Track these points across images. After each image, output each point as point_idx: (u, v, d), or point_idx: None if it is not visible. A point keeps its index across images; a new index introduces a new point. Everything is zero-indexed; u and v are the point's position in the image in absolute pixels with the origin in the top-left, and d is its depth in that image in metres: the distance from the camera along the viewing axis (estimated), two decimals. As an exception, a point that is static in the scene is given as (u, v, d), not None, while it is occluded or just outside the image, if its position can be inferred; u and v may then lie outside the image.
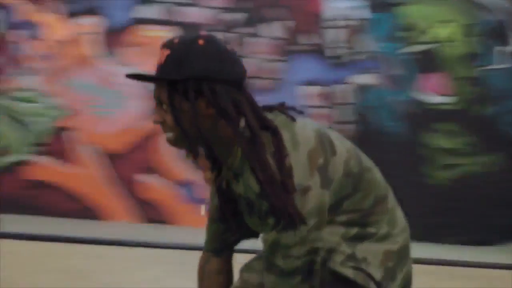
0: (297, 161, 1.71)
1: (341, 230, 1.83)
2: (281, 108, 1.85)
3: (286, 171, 1.70)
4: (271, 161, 1.71)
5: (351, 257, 1.83)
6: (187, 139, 1.75)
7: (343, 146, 1.83)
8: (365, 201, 1.85)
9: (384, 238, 1.87)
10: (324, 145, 1.77)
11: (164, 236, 5.73)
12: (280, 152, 1.71)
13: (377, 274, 1.84)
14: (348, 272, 1.82)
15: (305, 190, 1.71)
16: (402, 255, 1.90)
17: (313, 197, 1.72)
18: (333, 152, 1.78)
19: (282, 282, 1.77)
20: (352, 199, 1.82)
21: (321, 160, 1.74)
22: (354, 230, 1.84)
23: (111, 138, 6.47)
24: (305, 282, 1.79)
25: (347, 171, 1.80)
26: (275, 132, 1.73)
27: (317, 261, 1.81)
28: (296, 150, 1.72)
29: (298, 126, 1.78)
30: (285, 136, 1.74)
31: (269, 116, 1.79)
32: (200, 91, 1.71)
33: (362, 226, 1.85)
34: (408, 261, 1.94)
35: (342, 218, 1.82)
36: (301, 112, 1.86)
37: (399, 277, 1.89)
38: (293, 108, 1.86)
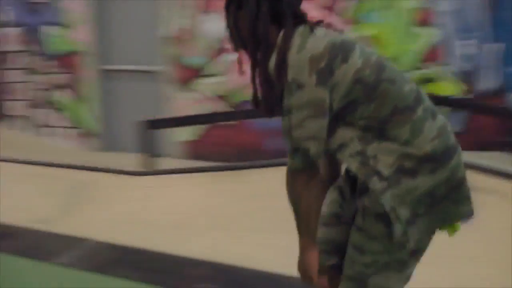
0: (296, 61, 2.04)
1: (358, 132, 2.08)
2: (318, 23, 2.16)
3: (280, 66, 2.06)
4: (273, 57, 2.09)
5: (360, 153, 2.07)
6: (231, 38, 2.25)
7: (362, 58, 2.08)
8: (381, 110, 2.07)
9: (403, 143, 2.06)
10: (334, 53, 2.05)
11: None
12: (282, 51, 2.07)
13: (385, 171, 2.04)
14: (353, 165, 2.07)
15: (300, 85, 2.02)
16: (430, 160, 2.05)
17: (307, 92, 2.02)
18: (345, 60, 2.06)
19: (290, 159, 2.10)
20: (366, 106, 2.06)
21: (322, 64, 2.03)
22: (370, 134, 2.08)
23: None
24: (305, 158, 2.06)
25: (358, 78, 2.05)
26: (286, 36, 2.09)
27: (321, 151, 2.07)
28: (299, 53, 2.04)
29: (315, 36, 2.08)
30: (296, 41, 2.06)
31: (299, 27, 2.12)
32: (241, 3, 2.18)
33: (379, 131, 2.07)
34: (443, 168, 2.07)
35: (361, 122, 2.08)
36: (339, 30, 2.19)
37: (423, 179, 2.04)
38: (330, 25, 2.19)
